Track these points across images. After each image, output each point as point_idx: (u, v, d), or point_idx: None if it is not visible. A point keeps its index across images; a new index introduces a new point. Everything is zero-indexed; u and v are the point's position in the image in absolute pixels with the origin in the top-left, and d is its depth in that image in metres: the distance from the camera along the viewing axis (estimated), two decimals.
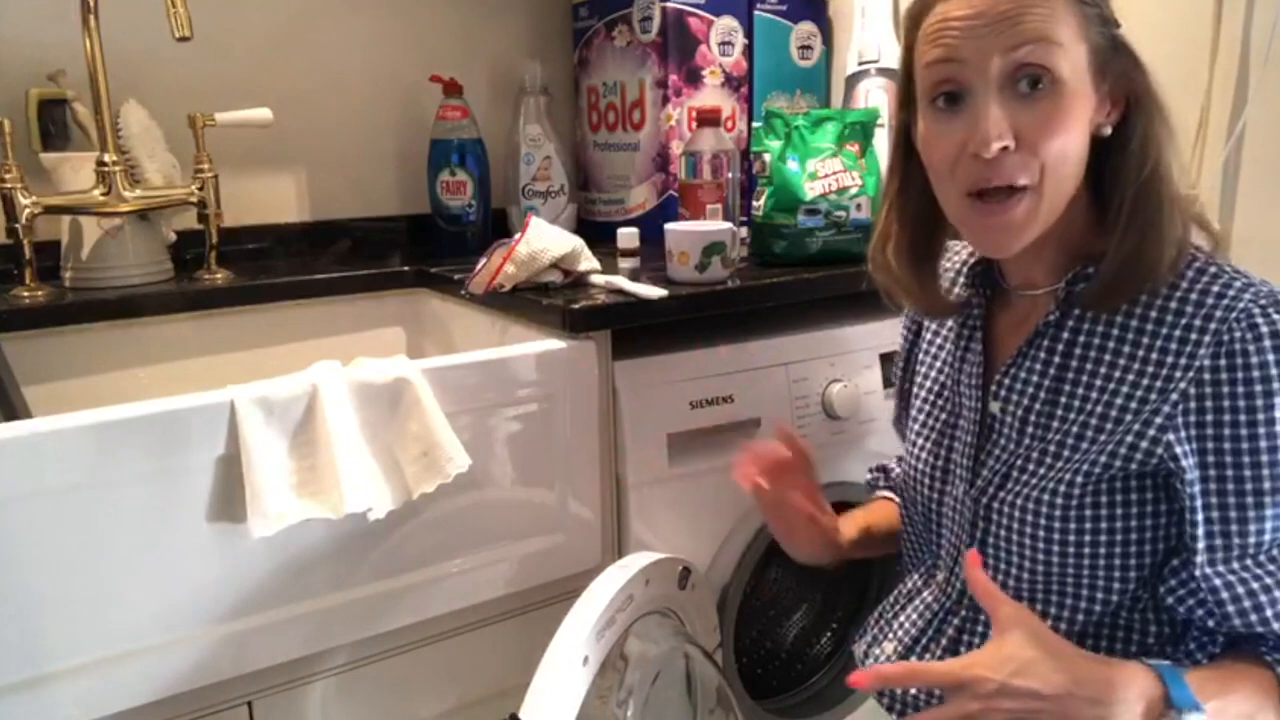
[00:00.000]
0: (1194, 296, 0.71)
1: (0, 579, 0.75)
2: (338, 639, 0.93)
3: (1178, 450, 0.71)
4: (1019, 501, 0.78)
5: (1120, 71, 0.73)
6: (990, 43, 0.70)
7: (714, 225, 1.17)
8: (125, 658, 0.81)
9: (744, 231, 1.31)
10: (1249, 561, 0.71)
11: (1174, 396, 0.71)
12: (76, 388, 1.13)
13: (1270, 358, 0.68)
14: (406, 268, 1.35)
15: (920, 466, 0.90)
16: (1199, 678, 0.68)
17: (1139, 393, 0.73)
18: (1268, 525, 0.70)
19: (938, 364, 0.91)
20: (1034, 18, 0.69)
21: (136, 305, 1.16)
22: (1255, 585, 0.70)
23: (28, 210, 1.12)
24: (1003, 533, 0.80)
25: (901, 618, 0.91)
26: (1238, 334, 0.69)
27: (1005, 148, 0.70)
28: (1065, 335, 0.78)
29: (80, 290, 1.18)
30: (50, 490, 0.76)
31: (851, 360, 1.22)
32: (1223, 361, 0.69)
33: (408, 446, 0.89)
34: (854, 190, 1.22)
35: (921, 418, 0.92)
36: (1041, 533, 0.77)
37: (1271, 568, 0.71)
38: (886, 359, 1.25)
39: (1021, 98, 0.70)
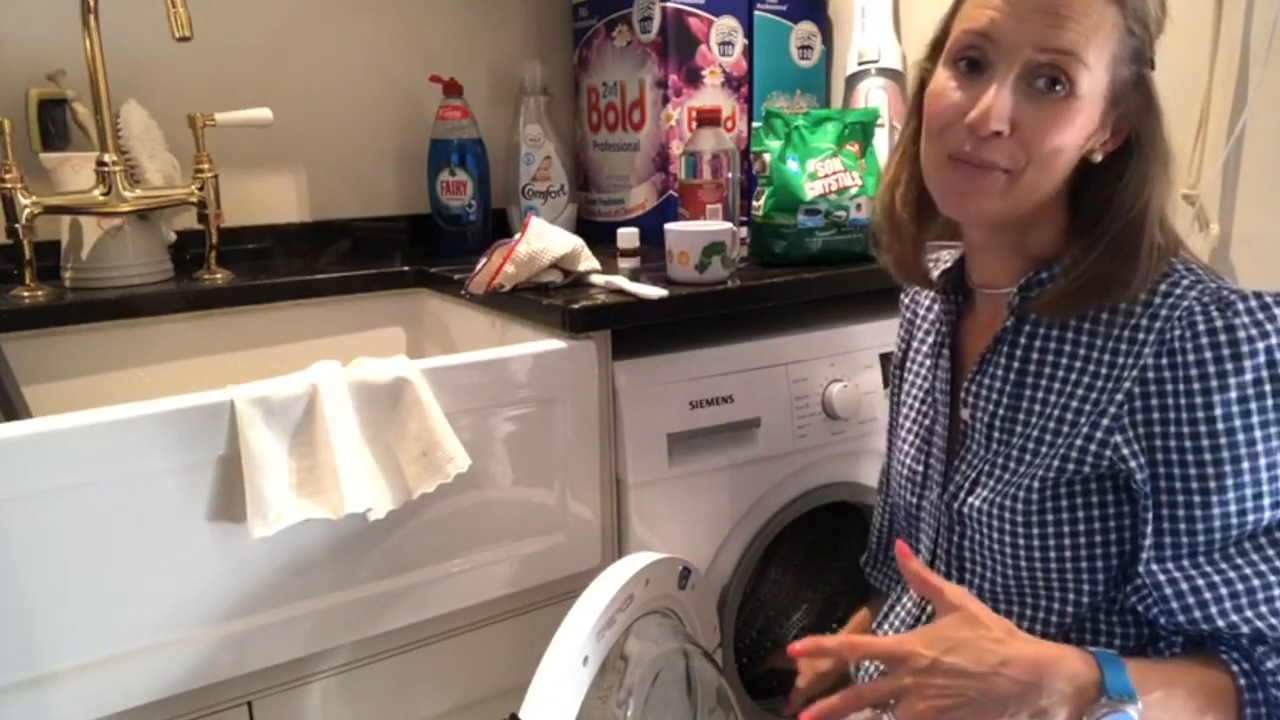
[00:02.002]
0: (1142, 297, 0.72)
1: (0, 579, 0.75)
2: (338, 639, 0.93)
3: (1125, 451, 0.71)
4: (986, 507, 0.79)
5: (1131, 109, 0.73)
6: (1028, 31, 0.69)
7: (714, 225, 1.17)
8: (125, 658, 0.81)
9: (744, 231, 1.31)
10: (1197, 559, 0.70)
11: (1119, 397, 0.71)
12: (76, 388, 1.13)
13: (1208, 355, 0.68)
14: (406, 268, 1.35)
15: (903, 472, 0.91)
16: (1143, 669, 0.68)
17: (1092, 395, 0.73)
18: (1215, 524, 0.70)
19: (922, 370, 0.92)
20: (1078, 28, 0.69)
21: (136, 305, 1.16)
22: (1200, 582, 0.70)
23: (28, 210, 1.12)
24: (977, 537, 0.81)
25: (885, 625, 0.92)
26: (1178, 332, 0.69)
27: (999, 133, 0.71)
28: (1023, 340, 0.79)
29: (80, 290, 1.18)
30: (50, 490, 0.76)
31: (851, 360, 1.22)
32: (1164, 360, 0.70)
33: (408, 446, 0.89)
34: (854, 190, 1.22)
35: (906, 424, 0.93)
36: (1008, 538, 0.77)
37: (1210, 567, 0.70)
38: (886, 359, 1.25)
39: (1034, 92, 0.70)
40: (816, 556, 1.35)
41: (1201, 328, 0.68)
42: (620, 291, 1.07)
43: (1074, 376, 0.75)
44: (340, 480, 0.85)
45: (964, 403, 0.83)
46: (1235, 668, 0.69)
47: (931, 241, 0.87)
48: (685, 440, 1.10)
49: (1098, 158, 0.74)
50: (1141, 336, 0.71)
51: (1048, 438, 0.76)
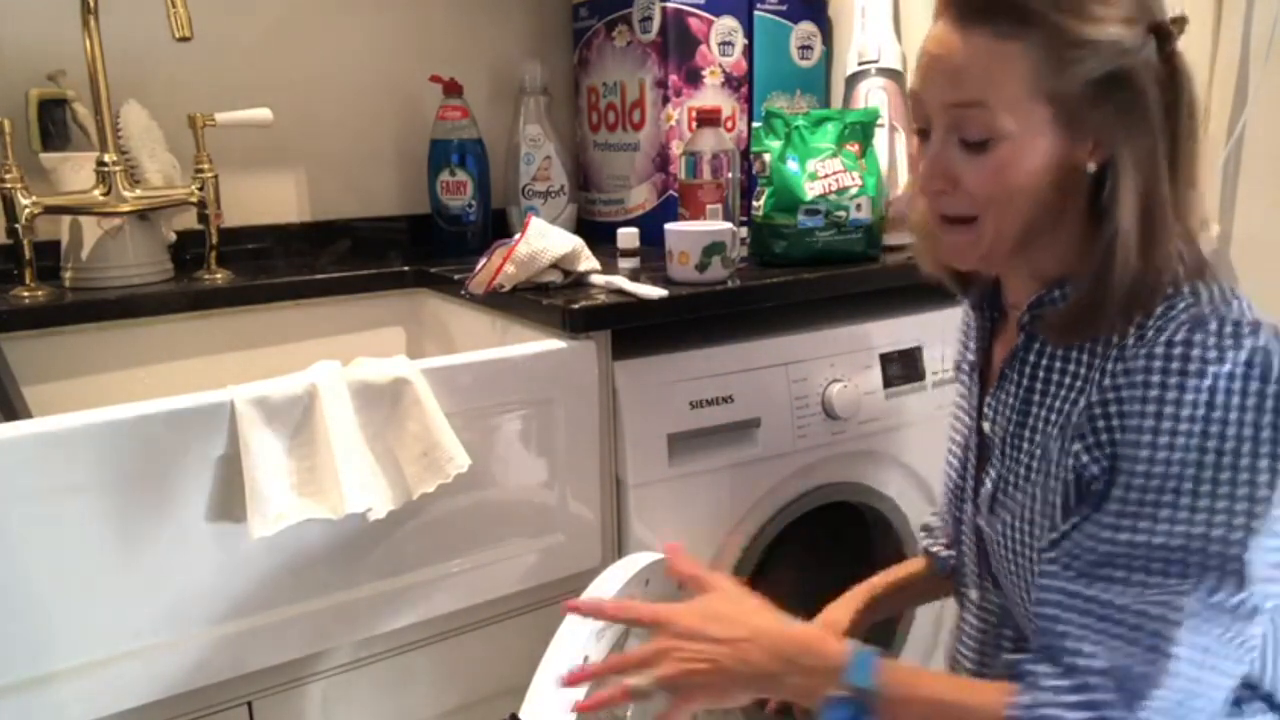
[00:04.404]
0: (1137, 319, 0.68)
1: (1, 579, 0.75)
2: (338, 639, 0.93)
3: (1085, 459, 0.69)
4: (1002, 528, 0.79)
5: (1100, 120, 0.68)
6: (935, 91, 0.71)
7: (714, 225, 1.17)
8: (125, 658, 0.81)
9: (744, 231, 1.31)
10: (1071, 569, 0.69)
11: (1082, 403, 0.70)
12: (76, 388, 1.13)
13: (1156, 365, 0.65)
14: (406, 268, 1.35)
15: (949, 486, 0.91)
16: (893, 667, 0.71)
17: (1076, 409, 0.72)
18: (1102, 547, 0.67)
19: (964, 380, 0.92)
20: (975, 77, 0.68)
21: (136, 305, 1.16)
22: (1054, 595, 0.69)
23: (28, 210, 1.12)
24: (997, 558, 0.81)
25: (961, 647, 0.91)
26: (1143, 350, 0.66)
27: (942, 191, 0.72)
28: (1031, 359, 0.78)
29: (80, 290, 1.18)
30: (50, 490, 0.76)
31: (851, 360, 1.22)
32: (1120, 367, 0.67)
33: (408, 446, 0.89)
34: (854, 190, 1.22)
35: (952, 434, 0.92)
36: (1026, 561, 0.77)
37: (1075, 586, 0.68)
38: (887, 359, 1.25)
39: (965, 146, 0.71)
40: (816, 556, 1.35)
41: (1161, 339, 0.65)
42: (620, 291, 1.07)
43: (1071, 395, 0.73)
44: (340, 480, 0.85)
45: (985, 417, 0.83)
46: (1010, 699, 0.67)
47: None
48: (685, 440, 1.10)
49: (1091, 168, 0.70)
50: (1113, 352, 0.69)
51: (1048, 454, 0.75)
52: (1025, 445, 0.77)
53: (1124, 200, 0.68)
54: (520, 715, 0.76)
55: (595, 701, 0.75)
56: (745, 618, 0.75)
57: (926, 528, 1.06)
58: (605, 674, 0.76)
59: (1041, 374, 0.77)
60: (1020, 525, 0.76)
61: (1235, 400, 0.63)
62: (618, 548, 1.10)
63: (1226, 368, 0.63)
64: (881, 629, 1.33)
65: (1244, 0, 1.08)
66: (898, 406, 1.26)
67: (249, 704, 0.92)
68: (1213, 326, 0.64)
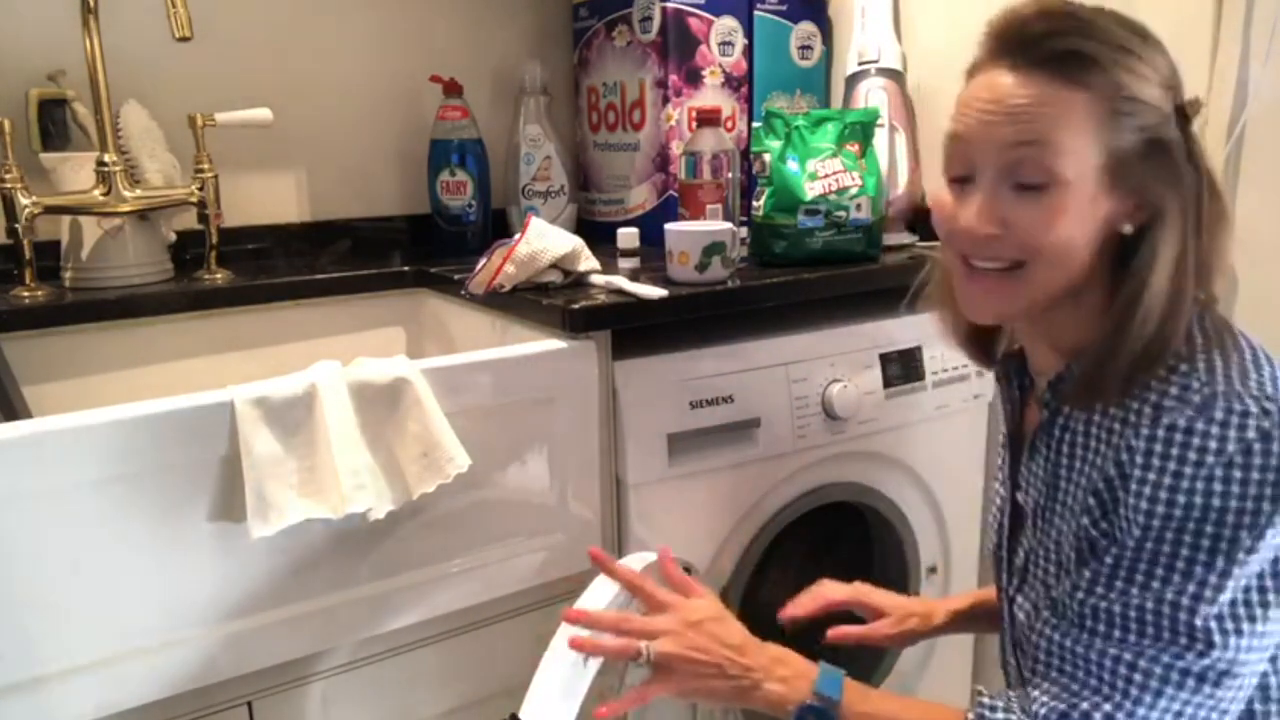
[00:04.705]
0: (1152, 399, 0.68)
1: (0, 579, 0.75)
2: (338, 639, 0.93)
3: (1093, 531, 0.71)
4: (1029, 606, 0.79)
5: (1145, 180, 0.69)
6: (997, 133, 0.69)
7: (714, 225, 1.17)
8: (125, 658, 0.81)
9: (744, 231, 1.31)
10: (1069, 626, 0.71)
11: (1097, 477, 0.71)
12: (76, 388, 1.13)
13: (1155, 462, 0.66)
14: (406, 268, 1.35)
15: (990, 550, 0.92)
16: (858, 685, 0.78)
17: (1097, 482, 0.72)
18: (1105, 602, 0.69)
19: (1000, 447, 0.92)
20: (1043, 118, 0.68)
21: (136, 305, 1.16)
22: (1043, 643, 0.73)
23: (28, 210, 1.12)
24: (1021, 631, 0.81)
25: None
26: (1146, 426, 0.67)
27: (993, 236, 0.71)
28: (1056, 433, 0.77)
29: (80, 290, 1.18)
30: (50, 490, 0.76)
31: (851, 360, 1.22)
32: (1137, 445, 0.68)
33: (408, 446, 0.89)
34: (854, 190, 1.22)
35: (993, 496, 0.92)
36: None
37: (1057, 636, 0.71)
38: (887, 359, 1.25)
39: (1019, 190, 0.70)
40: (816, 556, 1.35)
41: (1164, 421, 0.66)
42: (620, 291, 1.07)
43: (1092, 473, 0.73)
44: (340, 480, 0.85)
45: (1020, 488, 0.83)
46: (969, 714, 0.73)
47: None
48: (685, 440, 1.10)
49: (1127, 229, 0.70)
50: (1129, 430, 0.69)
51: (1069, 534, 0.74)
52: (1056, 520, 0.77)
53: (1161, 260, 0.69)
54: (520, 715, 0.76)
55: (615, 707, 0.79)
56: (736, 627, 0.81)
57: None
58: (608, 629, 0.80)
59: (1066, 448, 0.76)
60: (1046, 597, 0.77)
61: (1230, 488, 0.65)
62: (618, 548, 1.10)
63: (1224, 458, 0.64)
64: (870, 663, 1.33)
65: (1244, 0, 1.08)
66: (898, 406, 1.26)
67: (249, 704, 0.92)
68: (1218, 415, 0.65)
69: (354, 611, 0.92)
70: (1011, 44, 0.70)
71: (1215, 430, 0.65)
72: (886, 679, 1.36)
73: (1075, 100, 0.68)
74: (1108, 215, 0.70)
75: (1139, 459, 0.67)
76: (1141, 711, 0.67)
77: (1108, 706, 0.67)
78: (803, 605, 1.02)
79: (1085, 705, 0.68)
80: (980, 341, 0.88)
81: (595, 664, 0.79)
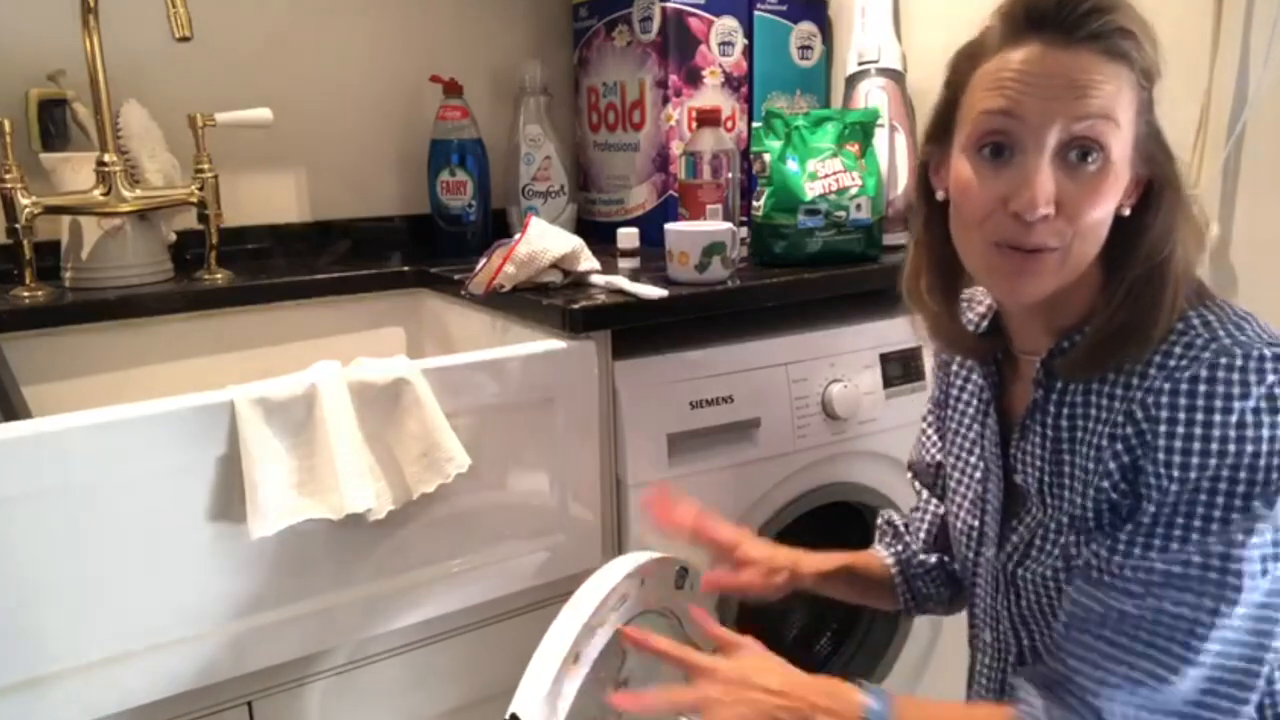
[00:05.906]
0: (1157, 359, 0.69)
1: (1, 579, 0.75)
2: (338, 639, 0.93)
3: (1113, 493, 0.71)
4: (1041, 573, 0.79)
5: (1149, 158, 0.72)
6: (1056, 107, 0.68)
7: (714, 225, 1.17)
8: (125, 658, 0.81)
9: (744, 231, 1.31)
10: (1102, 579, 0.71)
11: (1109, 440, 0.72)
12: (76, 388, 1.13)
13: (1182, 415, 0.67)
14: (406, 268, 1.35)
15: (959, 526, 0.91)
16: (905, 699, 0.76)
17: (1106, 448, 0.73)
18: (1145, 561, 0.69)
19: (966, 420, 0.91)
20: (1103, 93, 0.67)
21: (136, 305, 1.16)
22: (1075, 609, 0.72)
23: (28, 210, 1.12)
24: (1029, 603, 0.81)
25: (978, 689, 0.91)
26: (1157, 378, 0.68)
27: (1047, 216, 0.69)
28: (1052, 409, 0.77)
29: (80, 290, 1.18)
30: (50, 490, 0.76)
31: (851, 360, 1.22)
32: (1150, 400, 0.69)
33: (408, 446, 0.89)
34: (854, 190, 1.22)
35: (958, 475, 0.91)
36: (1063, 605, 0.77)
37: (1092, 601, 0.71)
38: (886, 359, 1.25)
39: (1069, 166, 0.69)
40: None
41: (1186, 374, 0.67)
42: (620, 291, 1.07)
43: (1101, 441, 0.73)
44: (340, 480, 0.85)
45: (1014, 468, 0.83)
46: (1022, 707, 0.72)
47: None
48: (685, 440, 1.10)
49: (1125, 211, 0.72)
50: (1148, 384, 0.70)
51: (1088, 503, 0.74)
52: (1065, 494, 0.77)
53: (1179, 234, 0.71)
54: (515, 710, 0.76)
55: None
56: (778, 669, 0.78)
57: (892, 527, 1.04)
58: (655, 709, 0.78)
59: (1066, 422, 0.77)
60: (1059, 576, 0.77)
61: (1260, 432, 0.65)
62: (618, 548, 1.10)
63: (1251, 403, 0.65)
64: (866, 662, 1.33)
65: (1244, 0, 1.08)
66: (898, 406, 1.26)
67: (249, 704, 0.92)
68: (1238, 363, 0.66)
69: (354, 611, 0.92)
70: (1048, 19, 0.68)
71: (1236, 377, 0.66)
72: (887, 679, 1.36)
73: (1122, 74, 0.68)
74: (1125, 189, 0.71)
75: (1164, 414, 0.67)
76: (1205, 660, 0.67)
77: (1172, 662, 0.67)
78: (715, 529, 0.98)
79: (1147, 664, 0.68)
80: (966, 333, 0.87)
81: (587, 662, 0.79)
